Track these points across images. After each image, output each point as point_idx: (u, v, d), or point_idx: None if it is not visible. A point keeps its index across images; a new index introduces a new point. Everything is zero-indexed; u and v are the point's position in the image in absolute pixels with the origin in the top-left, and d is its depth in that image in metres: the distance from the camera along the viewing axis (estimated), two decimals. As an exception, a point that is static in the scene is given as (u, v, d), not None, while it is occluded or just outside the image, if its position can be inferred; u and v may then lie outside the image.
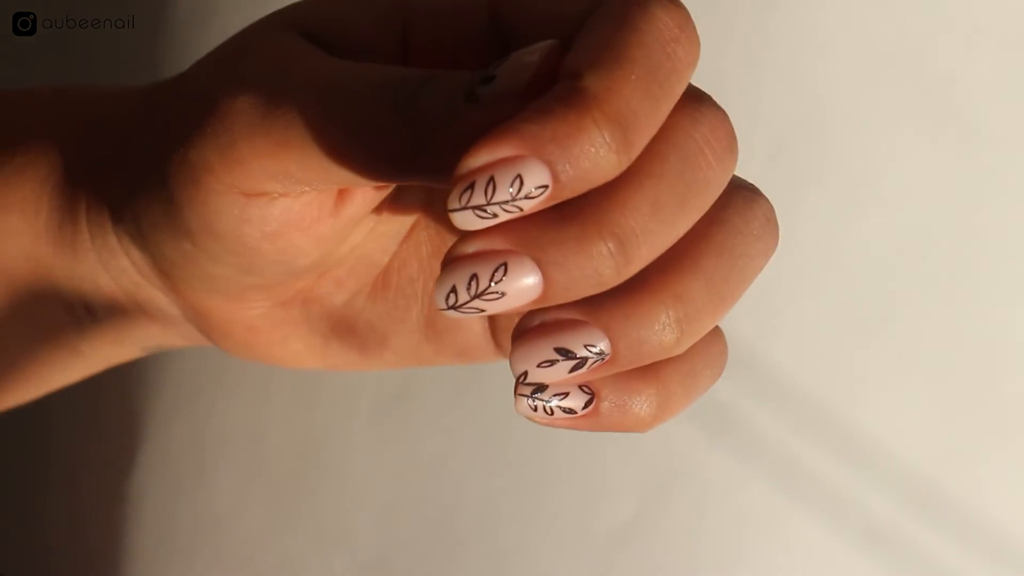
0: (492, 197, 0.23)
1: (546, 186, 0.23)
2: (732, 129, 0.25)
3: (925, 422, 0.38)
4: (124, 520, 0.42)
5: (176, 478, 0.42)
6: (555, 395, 0.25)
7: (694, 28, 0.24)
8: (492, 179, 0.23)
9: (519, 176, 0.23)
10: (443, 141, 0.24)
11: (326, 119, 0.25)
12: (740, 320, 0.38)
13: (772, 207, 0.26)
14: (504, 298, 0.23)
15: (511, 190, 0.23)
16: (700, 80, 0.36)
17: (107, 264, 0.31)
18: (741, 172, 0.37)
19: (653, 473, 0.39)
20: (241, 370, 0.42)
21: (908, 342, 0.37)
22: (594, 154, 0.23)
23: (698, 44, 0.24)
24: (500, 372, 0.38)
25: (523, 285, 0.23)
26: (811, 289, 0.38)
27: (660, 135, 0.24)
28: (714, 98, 0.25)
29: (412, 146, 0.24)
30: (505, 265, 0.23)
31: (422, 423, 0.40)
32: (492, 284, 0.23)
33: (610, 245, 0.23)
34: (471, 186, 0.23)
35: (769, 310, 0.38)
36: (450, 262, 0.23)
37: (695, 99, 0.25)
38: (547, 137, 0.22)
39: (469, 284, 0.23)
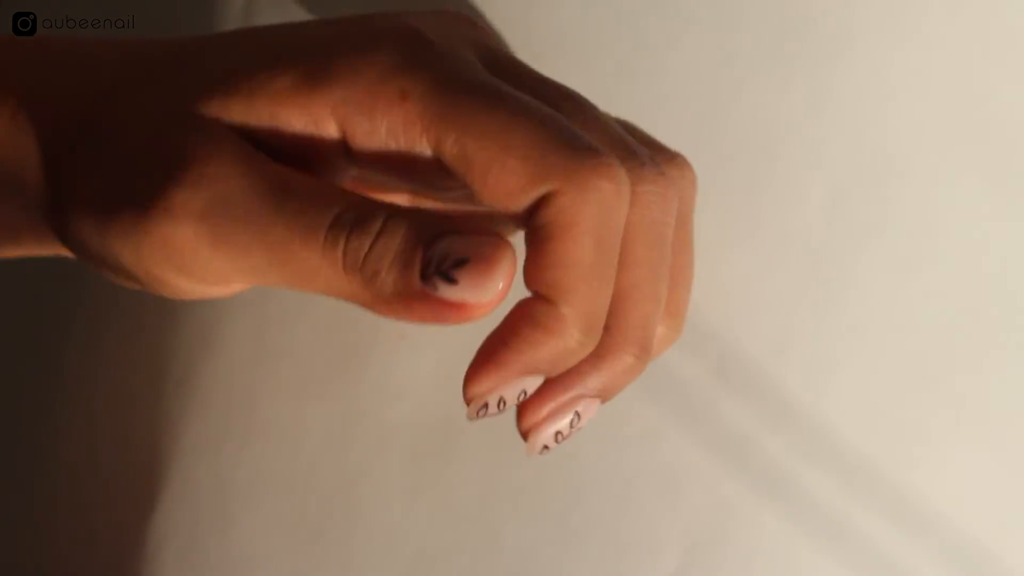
0: (503, 407, 0.29)
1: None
2: (671, 179, 0.30)
3: (987, 489, 0.37)
4: (142, 565, 0.41)
5: (198, 523, 0.41)
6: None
7: (627, 183, 0.28)
8: (501, 398, 0.29)
9: (524, 390, 0.29)
10: (399, 306, 0.28)
11: (275, 262, 0.28)
12: (792, 375, 0.37)
13: (662, 173, 0.30)
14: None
15: (518, 397, 0.29)
16: (763, 126, 0.35)
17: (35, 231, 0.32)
18: (797, 220, 0.36)
19: (697, 527, 0.38)
20: (271, 413, 0.41)
21: (971, 404, 0.36)
22: (575, 351, 0.29)
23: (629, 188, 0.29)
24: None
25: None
26: (867, 345, 0.37)
27: (625, 249, 0.29)
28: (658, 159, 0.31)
29: (365, 297, 0.28)
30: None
31: (458, 470, 0.39)
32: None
33: (635, 352, 0.31)
34: (485, 406, 0.29)
35: (823, 366, 0.37)
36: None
37: (642, 183, 0.29)
38: (543, 360, 0.28)
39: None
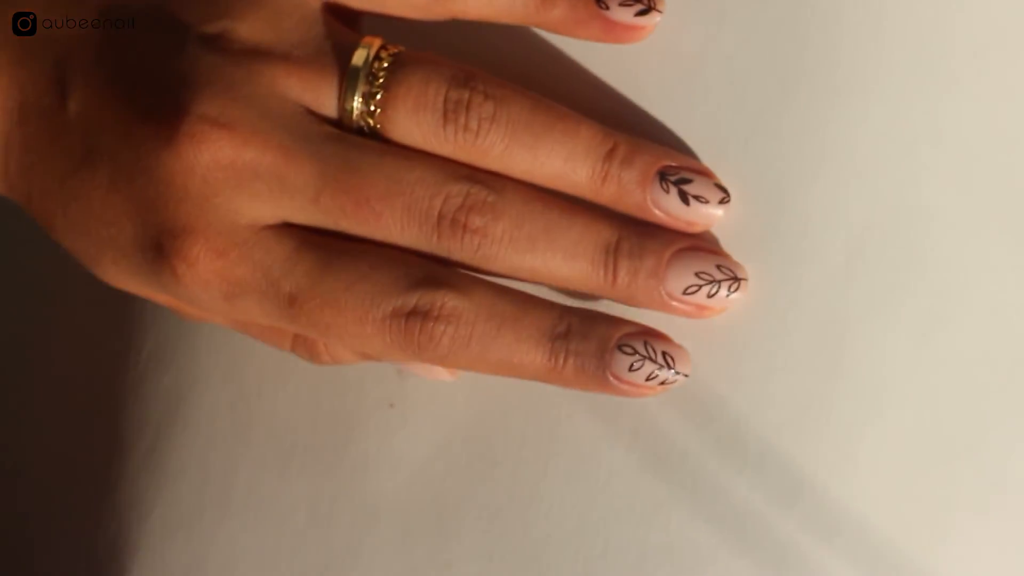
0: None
1: None
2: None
3: (1018, 566, 0.35)
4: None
5: (169, 611, 0.38)
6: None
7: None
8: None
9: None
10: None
11: None
12: (807, 444, 0.35)
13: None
14: None
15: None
16: (776, 181, 0.34)
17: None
18: (814, 279, 0.35)
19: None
20: (249, 488, 0.39)
21: (1000, 477, 0.35)
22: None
23: None
24: (542, 493, 0.37)
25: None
26: (888, 413, 0.35)
27: None
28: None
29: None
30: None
31: (455, 550, 0.37)
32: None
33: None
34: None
35: (840, 435, 0.35)
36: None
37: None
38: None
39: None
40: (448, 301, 0.34)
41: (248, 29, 0.34)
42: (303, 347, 0.37)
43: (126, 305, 0.41)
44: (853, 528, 0.35)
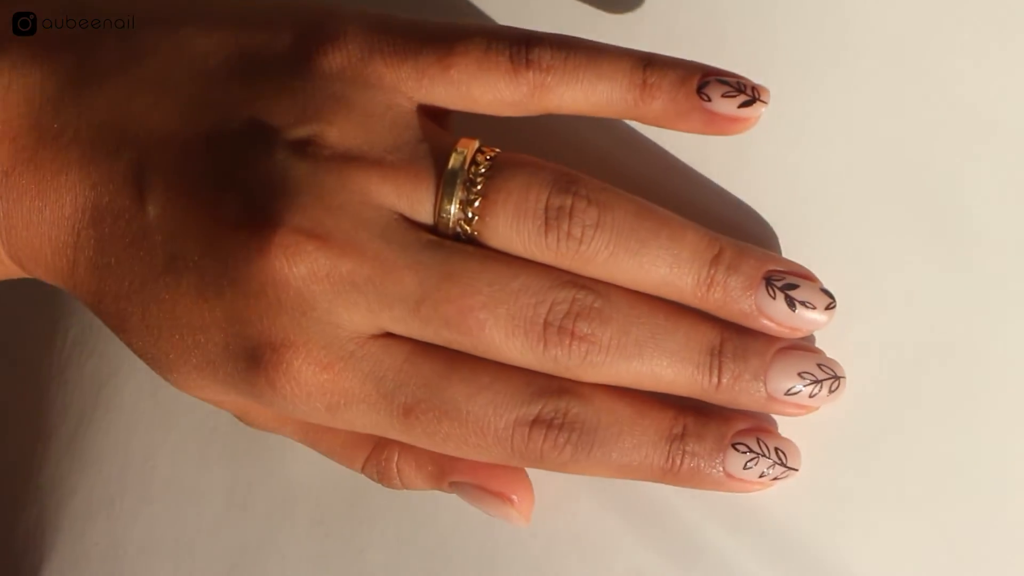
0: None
1: None
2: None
3: None
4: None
5: (89, 592, 0.39)
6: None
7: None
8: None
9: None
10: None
11: None
12: (822, 535, 0.35)
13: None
14: None
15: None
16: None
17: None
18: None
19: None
20: (170, 473, 0.39)
21: None
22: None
23: None
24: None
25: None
26: (906, 506, 0.35)
27: None
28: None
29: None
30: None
31: (367, 534, 0.37)
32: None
33: None
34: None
35: (856, 524, 0.35)
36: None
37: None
38: None
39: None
40: (572, 408, 0.33)
41: (339, 133, 0.33)
42: (375, 469, 0.36)
43: (51, 292, 0.41)
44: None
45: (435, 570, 0.37)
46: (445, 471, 0.35)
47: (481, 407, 0.33)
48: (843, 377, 0.34)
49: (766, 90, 0.33)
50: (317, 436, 0.36)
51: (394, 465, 0.35)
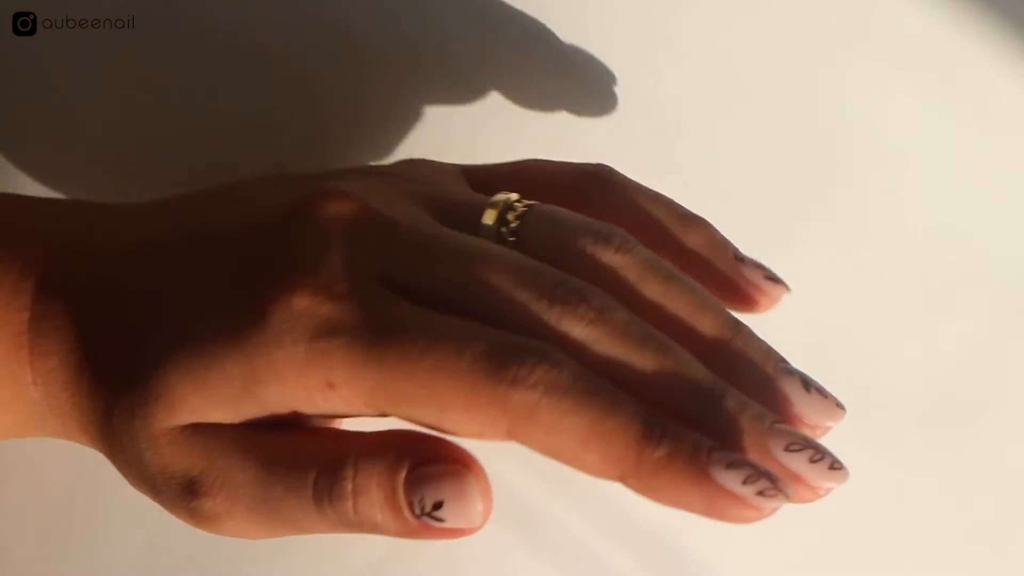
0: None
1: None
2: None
3: None
4: None
5: None
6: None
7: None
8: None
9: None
10: (413, 535, 0.32)
11: (289, 527, 0.33)
12: None
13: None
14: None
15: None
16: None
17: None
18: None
19: None
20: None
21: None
22: None
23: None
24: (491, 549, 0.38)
25: None
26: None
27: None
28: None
29: (380, 532, 0.32)
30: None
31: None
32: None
33: None
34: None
35: None
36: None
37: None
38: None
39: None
40: (555, 353, 0.30)
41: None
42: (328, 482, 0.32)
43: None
44: None
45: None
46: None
47: (464, 326, 0.31)
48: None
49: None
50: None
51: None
